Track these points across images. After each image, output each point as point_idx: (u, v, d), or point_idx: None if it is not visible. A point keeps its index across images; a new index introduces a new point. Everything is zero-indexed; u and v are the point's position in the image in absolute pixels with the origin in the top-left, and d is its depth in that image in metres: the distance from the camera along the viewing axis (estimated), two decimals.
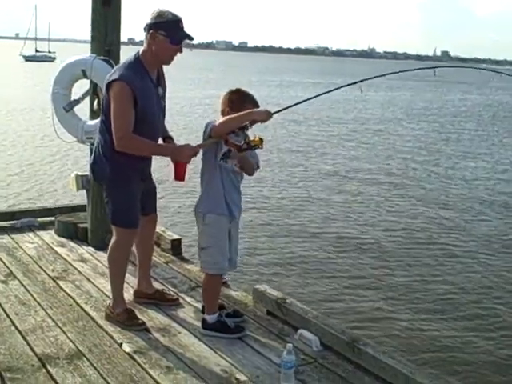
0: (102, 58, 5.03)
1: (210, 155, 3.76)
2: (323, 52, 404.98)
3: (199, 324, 3.91)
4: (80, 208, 5.91)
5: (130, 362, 3.43)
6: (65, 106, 5.11)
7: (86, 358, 3.45)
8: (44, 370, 3.29)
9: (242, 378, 3.33)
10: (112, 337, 3.73)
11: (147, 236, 4.23)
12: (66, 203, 7.08)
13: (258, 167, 3.97)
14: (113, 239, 3.97)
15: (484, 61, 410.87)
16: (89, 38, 5.20)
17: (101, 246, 5.15)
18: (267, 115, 3.62)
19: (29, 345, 3.56)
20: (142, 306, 4.17)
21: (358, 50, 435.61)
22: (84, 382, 3.20)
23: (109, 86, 3.71)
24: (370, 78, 4.03)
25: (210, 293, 3.92)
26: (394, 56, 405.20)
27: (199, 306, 4.15)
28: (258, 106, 3.78)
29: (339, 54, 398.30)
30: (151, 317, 4.03)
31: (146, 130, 3.73)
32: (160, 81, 3.93)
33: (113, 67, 4.31)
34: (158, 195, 4.36)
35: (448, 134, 23.10)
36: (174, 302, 4.27)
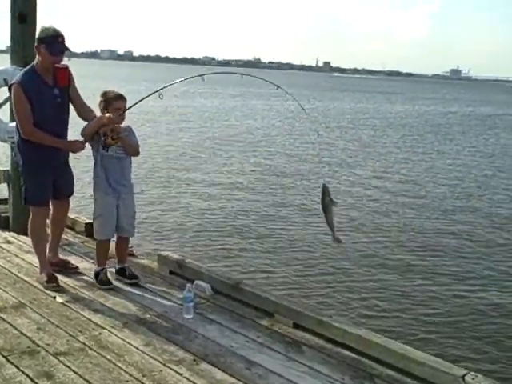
0: (20, 68, 5.85)
1: (95, 147, 4.84)
2: (210, 62, 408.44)
3: (114, 282, 4.95)
4: None
5: (64, 308, 4.43)
6: None
7: (29, 307, 4.40)
8: None
9: (153, 313, 4.42)
10: (46, 293, 4.68)
11: (59, 218, 5.19)
12: None
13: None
14: (30, 215, 4.94)
15: (359, 71, 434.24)
16: None
17: (22, 232, 5.99)
18: (109, 119, 4.66)
19: None
20: (70, 271, 5.14)
21: (243, 60, 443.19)
22: (31, 321, 4.15)
23: (9, 90, 4.76)
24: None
25: (98, 252, 5.02)
26: (279, 66, 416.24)
27: (113, 269, 5.14)
28: (123, 99, 4.82)
29: (226, 64, 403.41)
30: (78, 278, 5.04)
31: (47, 123, 4.67)
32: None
33: None
34: (77, 186, 5.33)
35: None
36: (75, 270, 5.20)
